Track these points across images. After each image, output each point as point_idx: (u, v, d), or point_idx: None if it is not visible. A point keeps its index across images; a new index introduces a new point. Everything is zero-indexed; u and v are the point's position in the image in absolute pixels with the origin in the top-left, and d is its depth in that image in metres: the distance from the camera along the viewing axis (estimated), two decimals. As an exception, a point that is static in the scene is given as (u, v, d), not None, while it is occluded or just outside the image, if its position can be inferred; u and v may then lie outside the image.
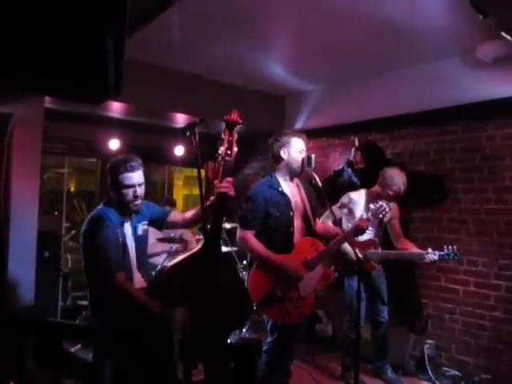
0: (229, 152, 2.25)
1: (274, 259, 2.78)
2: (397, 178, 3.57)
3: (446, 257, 3.32)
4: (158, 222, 2.69)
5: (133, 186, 2.35)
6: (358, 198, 3.72)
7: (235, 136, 2.30)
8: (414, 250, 3.55)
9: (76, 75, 1.07)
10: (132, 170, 2.35)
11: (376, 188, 3.69)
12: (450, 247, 3.32)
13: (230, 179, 2.23)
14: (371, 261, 3.48)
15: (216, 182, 2.24)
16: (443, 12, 3.01)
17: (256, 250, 2.79)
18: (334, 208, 3.70)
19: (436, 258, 3.31)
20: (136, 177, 2.37)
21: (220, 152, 2.26)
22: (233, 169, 2.30)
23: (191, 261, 2.25)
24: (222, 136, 2.29)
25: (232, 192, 2.21)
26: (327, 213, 3.62)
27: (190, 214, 2.66)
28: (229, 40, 3.66)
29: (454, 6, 2.90)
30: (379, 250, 3.65)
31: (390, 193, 3.56)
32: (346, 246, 3.16)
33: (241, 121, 2.33)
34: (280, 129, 4.05)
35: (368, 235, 3.50)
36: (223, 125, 2.30)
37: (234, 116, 2.31)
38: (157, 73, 4.23)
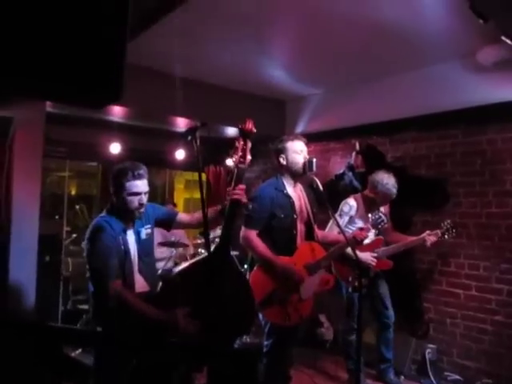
0: (242, 160, 2.36)
1: (277, 261, 2.78)
2: (385, 182, 3.57)
3: (446, 233, 3.67)
4: (166, 223, 2.68)
5: (139, 193, 2.36)
6: (355, 203, 3.72)
7: (249, 144, 2.41)
8: (413, 238, 3.73)
9: (77, 80, 1.07)
10: (140, 178, 2.36)
11: (367, 192, 3.73)
12: (445, 222, 3.71)
13: (242, 186, 2.33)
14: (384, 259, 3.56)
15: (229, 189, 2.32)
16: (443, 16, 3.02)
17: (259, 250, 2.80)
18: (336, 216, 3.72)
19: (436, 237, 3.63)
20: (143, 185, 2.38)
21: (234, 160, 2.36)
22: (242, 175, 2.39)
23: (199, 267, 2.26)
24: (236, 144, 2.39)
25: (244, 199, 2.31)
26: (331, 223, 3.64)
27: (198, 214, 2.64)
28: (230, 45, 3.67)
29: (455, 10, 2.91)
30: (385, 247, 3.70)
31: (380, 195, 3.60)
32: (351, 253, 3.10)
33: (255, 130, 2.42)
34: (281, 133, 4.05)
35: (371, 235, 3.53)
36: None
37: (249, 125, 2.42)
38: (158, 77, 4.23)
